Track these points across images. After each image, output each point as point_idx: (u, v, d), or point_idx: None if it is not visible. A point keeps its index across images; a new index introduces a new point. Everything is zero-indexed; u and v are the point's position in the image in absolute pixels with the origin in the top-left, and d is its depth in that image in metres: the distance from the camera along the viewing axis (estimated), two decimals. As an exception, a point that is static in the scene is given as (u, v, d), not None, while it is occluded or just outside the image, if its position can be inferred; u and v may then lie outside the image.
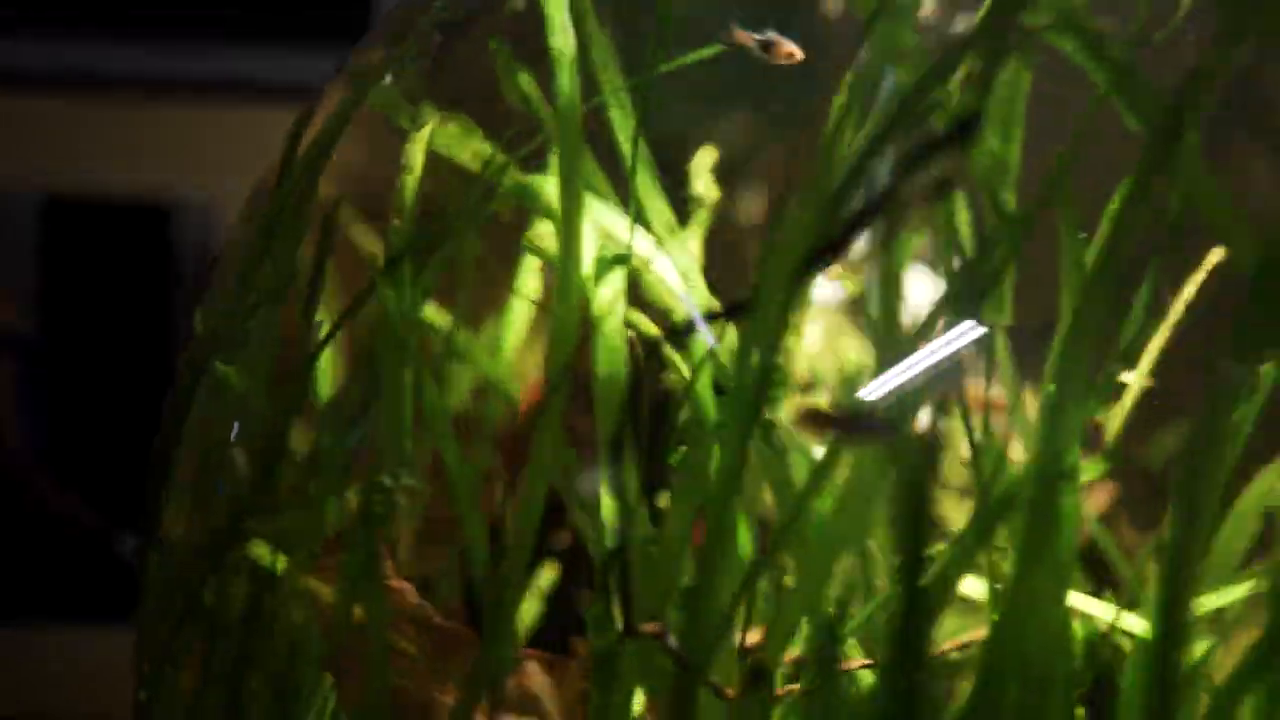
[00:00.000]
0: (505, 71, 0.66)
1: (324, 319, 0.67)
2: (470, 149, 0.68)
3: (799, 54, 0.62)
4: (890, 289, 0.45)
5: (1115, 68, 0.54)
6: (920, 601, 0.47)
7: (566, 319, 0.61)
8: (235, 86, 1.31)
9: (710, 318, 0.57)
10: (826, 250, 0.50)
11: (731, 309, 0.56)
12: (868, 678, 0.61)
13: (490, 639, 0.61)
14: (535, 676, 0.63)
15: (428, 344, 0.72)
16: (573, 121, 0.64)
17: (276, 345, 0.69)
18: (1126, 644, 0.68)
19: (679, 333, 0.60)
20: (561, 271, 0.62)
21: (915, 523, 0.46)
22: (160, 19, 1.37)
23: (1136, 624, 0.67)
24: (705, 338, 0.59)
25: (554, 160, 0.64)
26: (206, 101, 1.32)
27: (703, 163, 0.71)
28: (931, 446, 0.45)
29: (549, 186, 0.67)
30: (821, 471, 0.56)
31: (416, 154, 0.68)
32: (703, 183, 0.71)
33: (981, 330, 0.58)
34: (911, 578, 0.46)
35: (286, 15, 1.35)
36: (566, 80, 0.64)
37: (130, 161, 1.38)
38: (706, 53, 0.63)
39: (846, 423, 0.51)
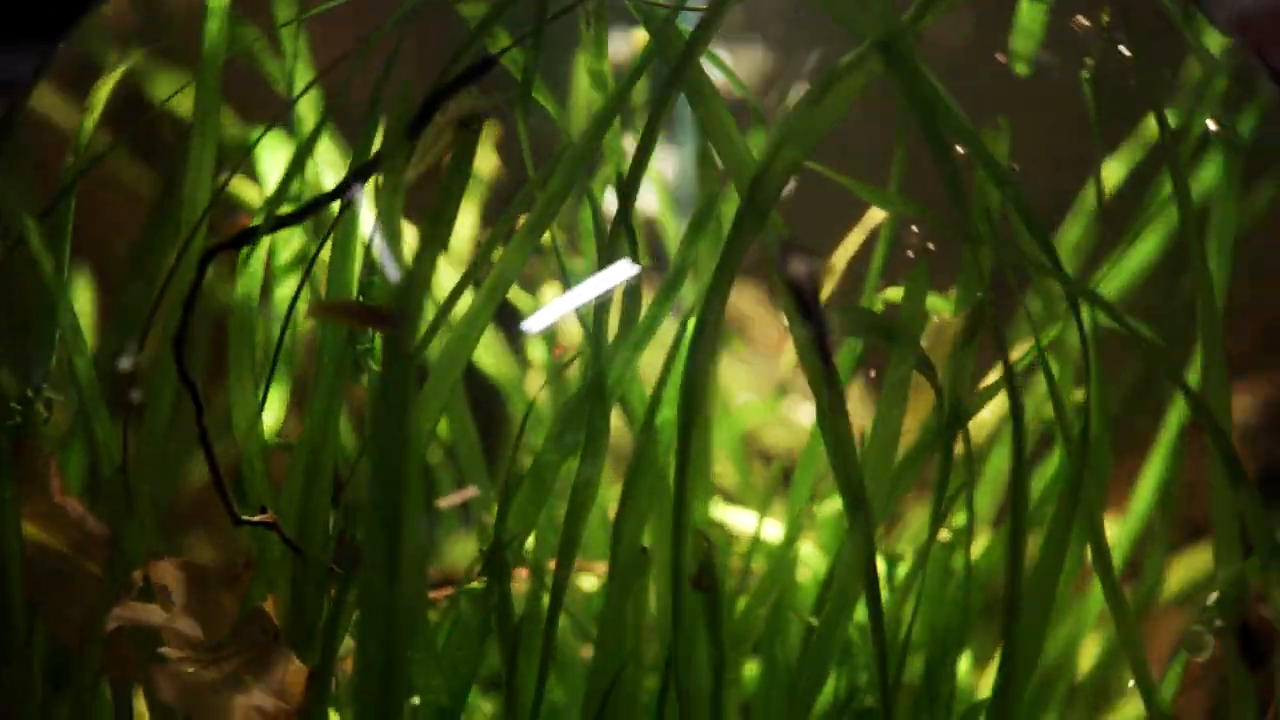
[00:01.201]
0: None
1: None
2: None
3: None
4: (391, 208, 0.51)
5: (657, 26, 0.61)
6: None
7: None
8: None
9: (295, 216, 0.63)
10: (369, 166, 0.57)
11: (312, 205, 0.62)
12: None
13: (118, 538, 0.67)
14: (167, 572, 0.68)
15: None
16: (213, 67, 0.70)
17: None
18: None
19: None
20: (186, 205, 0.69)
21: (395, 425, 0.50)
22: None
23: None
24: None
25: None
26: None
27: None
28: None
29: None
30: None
31: (100, 95, 0.73)
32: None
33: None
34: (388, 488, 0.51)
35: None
36: (214, 28, 0.70)
37: None
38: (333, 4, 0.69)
39: (358, 311, 0.57)
